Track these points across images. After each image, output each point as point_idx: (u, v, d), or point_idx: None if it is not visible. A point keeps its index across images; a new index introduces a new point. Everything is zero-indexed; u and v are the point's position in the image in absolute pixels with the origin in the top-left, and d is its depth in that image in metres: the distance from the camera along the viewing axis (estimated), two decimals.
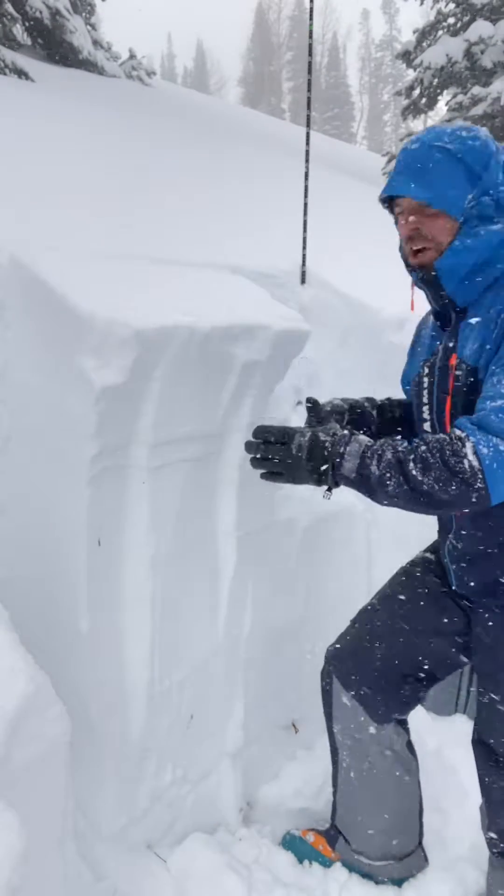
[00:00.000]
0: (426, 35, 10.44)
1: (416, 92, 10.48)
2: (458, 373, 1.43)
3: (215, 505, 1.95)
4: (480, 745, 1.61)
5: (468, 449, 1.23)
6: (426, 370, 1.56)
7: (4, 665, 1.27)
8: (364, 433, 1.78)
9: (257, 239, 3.06)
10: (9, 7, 7.56)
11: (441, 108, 11.55)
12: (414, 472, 1.27)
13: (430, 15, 10.83)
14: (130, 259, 2.11)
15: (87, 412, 1.54)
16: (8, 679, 1.25)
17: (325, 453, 1.37)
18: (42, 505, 1.72)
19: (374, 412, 1.76)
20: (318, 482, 1.40)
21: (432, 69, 9.87)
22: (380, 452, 1.33)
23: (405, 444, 1.33)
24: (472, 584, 1.55)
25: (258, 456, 1.46)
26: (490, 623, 1.55)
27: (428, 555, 1.79)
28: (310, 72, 2.98)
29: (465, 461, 1.23)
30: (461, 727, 2.34)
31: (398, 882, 1.85)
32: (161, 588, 1.78)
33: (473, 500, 1.25)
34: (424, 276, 1.44)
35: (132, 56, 10.04)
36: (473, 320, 1.42)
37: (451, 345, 1.47)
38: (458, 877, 1.88)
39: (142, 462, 1.70)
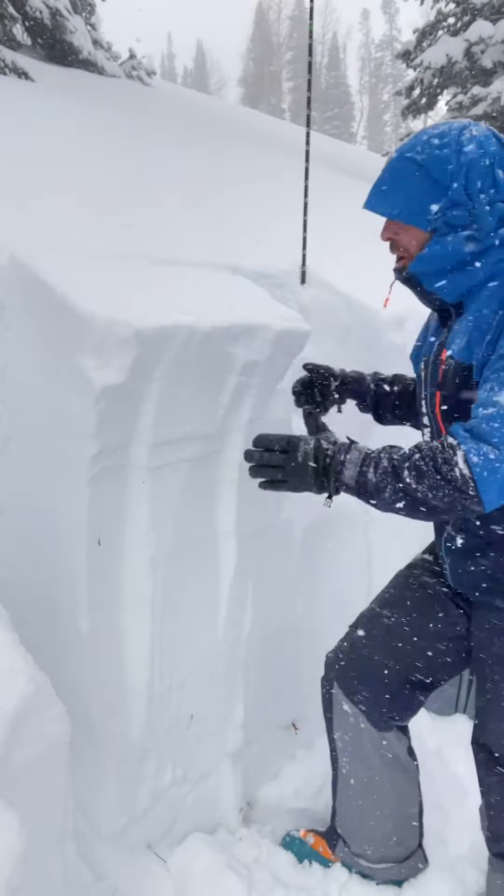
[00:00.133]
0: (426, 35, 10.47)
1: (416, 92, 10.51)
2: (445, 367, 1.46)
3: (215, 505, 1.95)
4: (480, 745, 1.61)
5: (459, 457, 1.24)
6: (423, 365, 1.59)
7: (4, 665, 1.28)
8: (359, 405, 1.86)
9: (257, 239, 3.05)
10: (9, 7, 7.54)
11: (441, 108, 11.58)
12: (408, 480, 1.29)
13: (430, 15, 10.85)
14: (130, 259, 2.11)
15: (87, 412, 1.54)
16: (8, 679, 1.25)
17: (328, 461, 1.38)
18: (42, 505, 1.72)
19: (373, 385, 1.86)
20: (321, 489, 1.40)
21: (432, 69, 9.89)
22: (377, 460, 1.34)
23: (402, 451, 1.34)
24: (470, 579, 1.55)
25: (258, 464, 1.46)
26: (488, 623, 1.55)
27: (426, 556, 1.79)
28: (310, 72, 2.97)
29: (457, 469, 1.24)
30: (461, 727, 2.34)
31: (398, 882, 1.85)
32: (161, 588, 1.78)
33: (468, 507, 1.27)
34: (402, 277, 1.52)
35: (132, 56, 10.02)
36: (467, 318, 1.44)
37: (442, 341, 1.51)
38: (458, 877, 1.88)
39: (142, 462, 1.70)
